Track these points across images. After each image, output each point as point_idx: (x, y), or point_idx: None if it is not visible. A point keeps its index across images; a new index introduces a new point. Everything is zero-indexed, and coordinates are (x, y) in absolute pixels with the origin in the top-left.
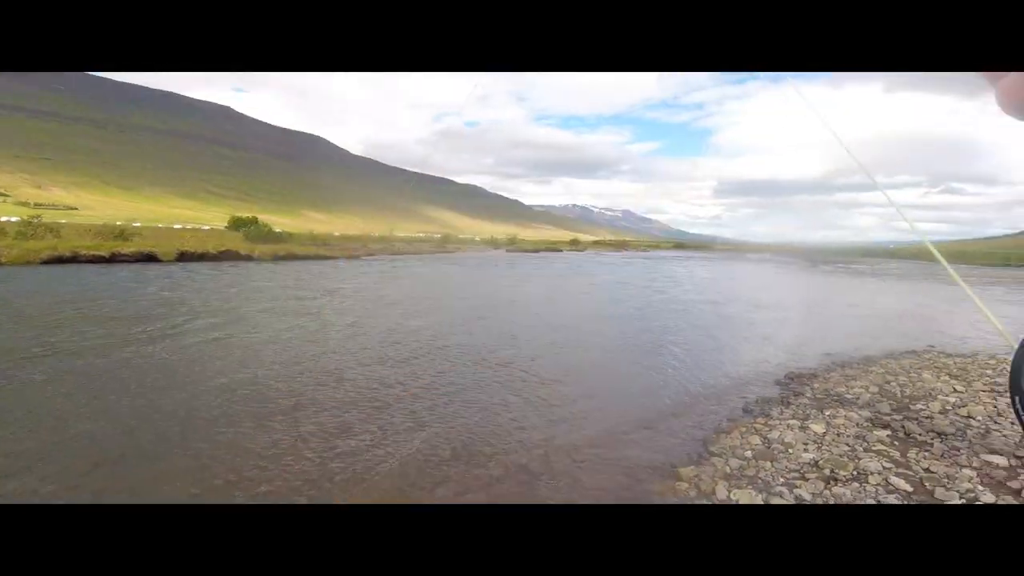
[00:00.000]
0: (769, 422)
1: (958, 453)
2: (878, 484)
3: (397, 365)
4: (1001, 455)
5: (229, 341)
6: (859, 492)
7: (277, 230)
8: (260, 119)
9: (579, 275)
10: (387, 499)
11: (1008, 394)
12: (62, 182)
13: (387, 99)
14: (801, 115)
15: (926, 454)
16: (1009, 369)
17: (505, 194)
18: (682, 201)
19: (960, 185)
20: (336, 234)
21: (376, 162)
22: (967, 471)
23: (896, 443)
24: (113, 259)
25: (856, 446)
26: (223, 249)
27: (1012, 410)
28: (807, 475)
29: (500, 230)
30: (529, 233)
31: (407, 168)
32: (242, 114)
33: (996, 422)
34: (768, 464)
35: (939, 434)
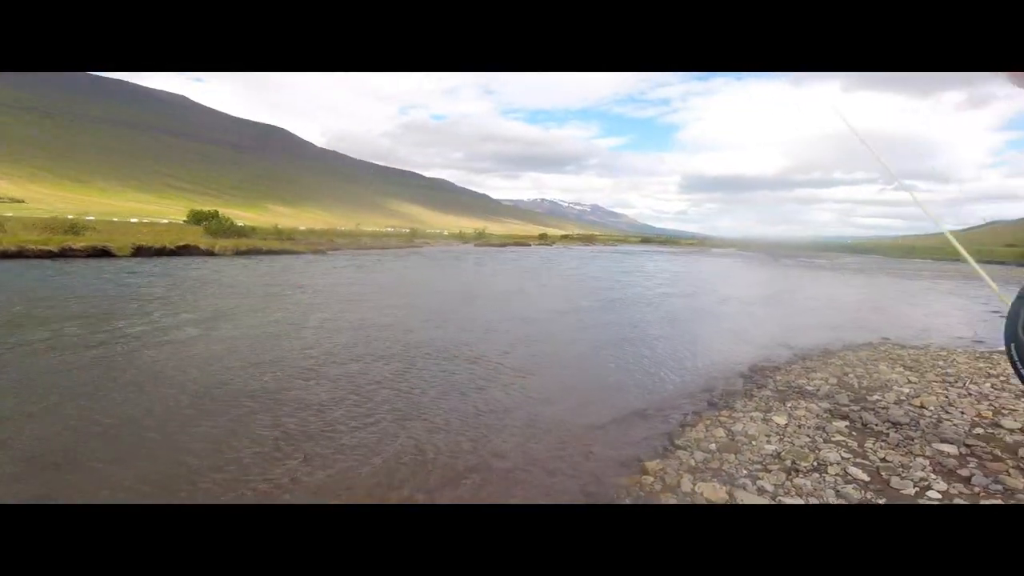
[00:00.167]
0: (733, 415)
1: (912, 442)
2: (837, 474)
3: (365, 361)
4: (952, 444)
5: (189, 339)
6: (819, 483)
7: (240, 224)
8: (219, 110)
9: (549, 270)
10: (352, 497)
11: (1004, 346)
12: (8, 174)
13: (351, 91)
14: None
15: (882, 444)
16: (1005, 320)
17: (474, 188)
18: (649, 196)
19: (914, 182)
20: (302, 228)
21: (341, 155)
22: (920, 460)
23: (854, 433)
24: (63, 254)
25: (816, 437)
26: (182, 243)
27: (1007, 358)
28: (769, 467)
29: (469, 224)
30: (498, 228)
31: (373, 161)
32: (200, 104)
33: (947, 411)
34: (732, 457)
35: (894, 424)
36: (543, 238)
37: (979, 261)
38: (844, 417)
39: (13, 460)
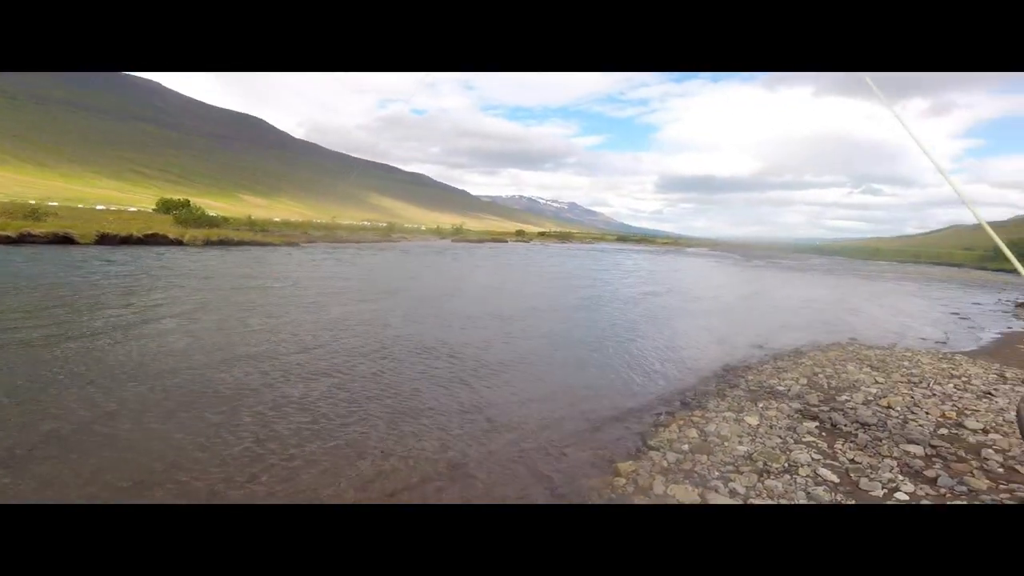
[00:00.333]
0: (706, 415)
1: (880, 443)
2: (808, 476)
3: (339, 357)
4: (918, 444)
5: (149, 331)
6: (790, 484)
7: (211, 214)
8: (195, 97)
9: (527, 267)
10: (314, 495)
11: None
12: None
13: (330, 82)
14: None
15: (851, 445)
16: None
17: (452, 184)
18: (626, 195)
19: (879, 186)
20: (276, 219)
21: (319, 146)
22: (888, 461)
23: (824, 434)
24: (22, 240)
25: (787, 438)
26: (149, 232)
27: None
28: (741, 468)
29: (447, 220)
30: (476, 223)
31: (351, 154)
32: (174, 91)
33: (913, 412)
34: (704, 458)
35: (863, 424)
36: (520, 235)
37: (935, 264)
38: (814, 418)
39: None
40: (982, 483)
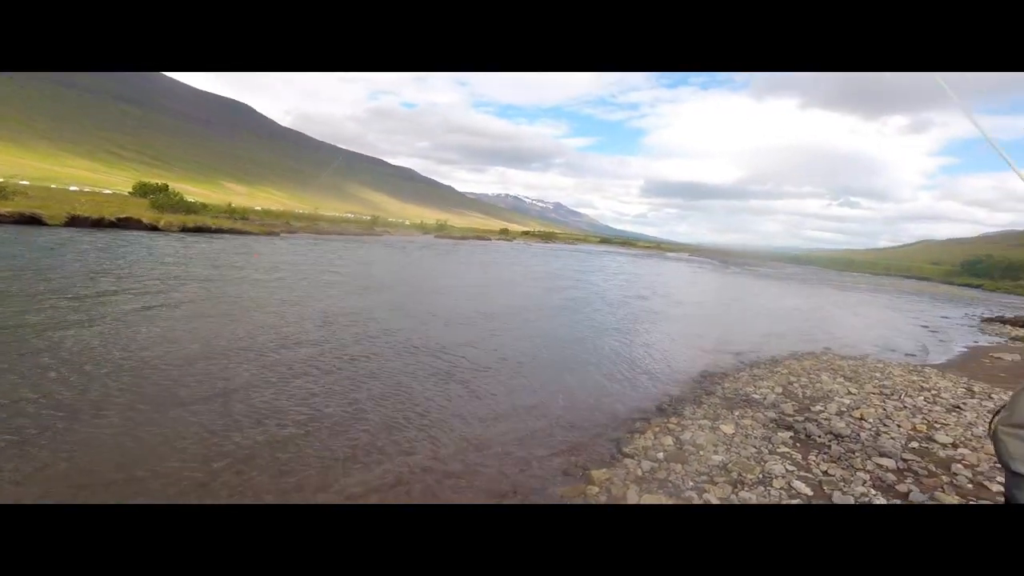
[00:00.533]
0: (682, 422)
1: (853, 455)
2: (782, 488)
3: (318, 348)
4: (890, 458)
5: (112, 319)
6: (764, 496)
7: (190, 199)
8: (179, 79)
9: (511, 266)
10: (288, 491)
11: None
12: None
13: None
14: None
15: (825, 456)
16: None
17: (439, 179)
18: (611, 198)
19: (857, 199)
20: (257, 208)
21: (305, 135)
22: (861, 474)
23: (798, 445)
24: None
25: (762, 448)
26: (123, 216)
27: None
28: (716, 479)
29: (432, 215)
30: (461, 220)
31: (338, 145)
32: (158, 72)
33: (885, 424)
34: (679, 467)
35: (836, 436)
36: (504, 233)
37: (905, 276)
38: (789, 428)
39: None
40: (952, 499)
